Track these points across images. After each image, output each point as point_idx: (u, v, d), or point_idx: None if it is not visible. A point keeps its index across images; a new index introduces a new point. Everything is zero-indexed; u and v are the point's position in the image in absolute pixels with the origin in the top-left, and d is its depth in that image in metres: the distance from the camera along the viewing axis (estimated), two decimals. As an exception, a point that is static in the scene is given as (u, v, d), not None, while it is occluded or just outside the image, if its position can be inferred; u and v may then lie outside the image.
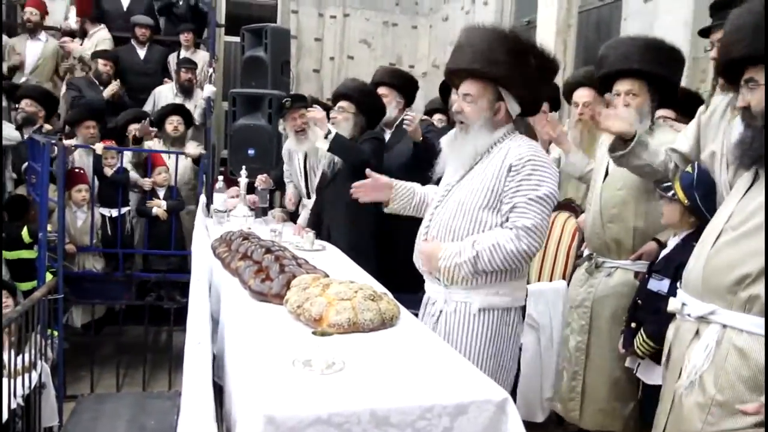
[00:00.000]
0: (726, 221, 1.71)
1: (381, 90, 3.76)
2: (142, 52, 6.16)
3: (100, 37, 6.13)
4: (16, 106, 5.24)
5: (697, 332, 1.75)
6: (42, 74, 6.02)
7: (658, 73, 2.55)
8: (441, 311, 2.18)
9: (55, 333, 4.27)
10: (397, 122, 3.74)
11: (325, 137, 3.32)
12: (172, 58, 6.25)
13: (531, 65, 2.08)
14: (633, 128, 2.34)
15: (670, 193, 2.32)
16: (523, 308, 2.29)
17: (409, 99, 3.91)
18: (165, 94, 5.86)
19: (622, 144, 2.35)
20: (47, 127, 5.17)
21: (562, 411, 2.86)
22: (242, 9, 7.75)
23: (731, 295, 1.64)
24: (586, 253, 2.87)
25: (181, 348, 1.74)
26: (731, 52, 1.70)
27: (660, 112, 2.87)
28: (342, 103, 3.55)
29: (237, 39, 6.29)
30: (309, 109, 3.59)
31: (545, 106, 3.31)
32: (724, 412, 1.62)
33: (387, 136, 3.74)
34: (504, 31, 2.12)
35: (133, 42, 6.16)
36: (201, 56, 6.24)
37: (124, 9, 6.43)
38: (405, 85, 3.90)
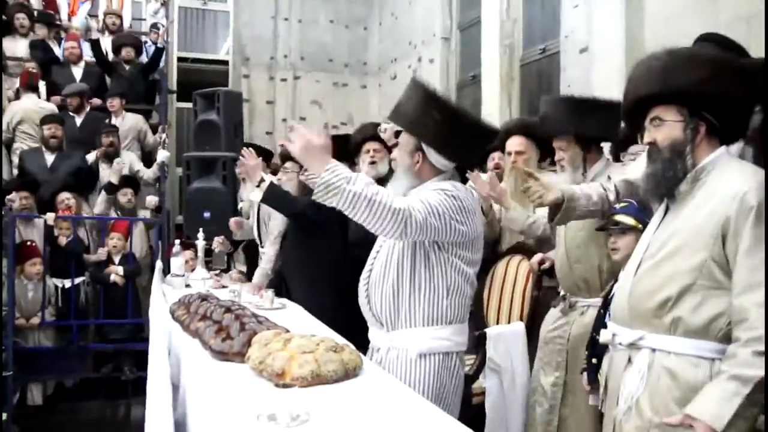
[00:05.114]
0: (644, 251, 1.83)
1: (372, 145, 3.58)
2: (78, 120, 6.09)
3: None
4: None
5: (629, 359, 1.82)
6: None
7: (587, 135, 2.72)
8: (383, 358, 2.18)
9: (4, 415, 4.08)
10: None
11: (258, 186, 3.28)
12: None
13: (435, 118, 2.11)
14: (559, 191, 2.36)
15: (620, 227, 2.41)
16: (482, 352, 2.28)
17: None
18: (90, 161, 5.75)
19: (554, 208, 2.40)
20: None
21: None
22: (193, 75, 7.84)
23: (656, 318, 1.73)
24: (561, 293, 2.91)
25: (141, 420, 1.70)
26: (640, 91, 1.85)
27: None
28: (287, 164, 3.60)
29: (189, 105, 6.35)
30: (242, 154, 3.46)
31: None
32: None
33: None
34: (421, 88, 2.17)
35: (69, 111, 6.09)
36: (129, 120, 6.21)
37: (77, 80, 6.43)
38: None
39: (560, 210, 2.35)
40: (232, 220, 4.15)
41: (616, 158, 3.26)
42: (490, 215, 3.30)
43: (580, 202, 2.39)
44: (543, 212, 3.09)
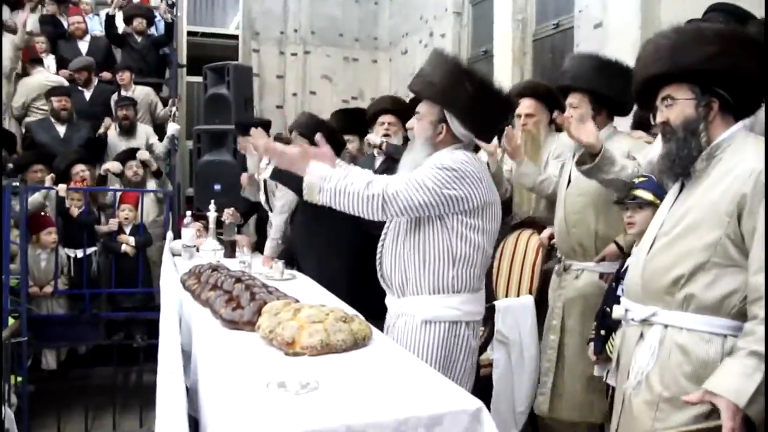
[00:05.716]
0: (659, 228, 1.84)
1: (387, 118, 3.62)
2: (87, 93, 6.09)
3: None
4: None
5: (641, 335, 1.84)
6: None
7: (603, 93, 2.73)
8: (393, 323, 2.24)
9: (19, 378, 4.16)
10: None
11: (268, 163, 3.27)
12: (114, 98, 6.13)
13: (467, 90, 2.11)
14: (600, 143, 2.44)
15: (637, 201, 2.40)
16: (490, 324, 2.29)
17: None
18: (109, 135, 5.79)
19: (590, 157, 2.45)
20: None
21: (535, 404, 2.93)
22: (203, 50, 7.81)
23: (669, 296, 1.75)
24: (558, 256, 2.96)
25: (152, 387, 1.73)
26: (650, 70, 1.84)
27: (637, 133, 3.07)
28: (298, 139, 3.58)
29: (199, 79, 6.34)
30: (251, 132, 3.34)
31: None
32: (672, 407, 1.70)
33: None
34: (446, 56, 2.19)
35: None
36: (140, 92, 6.20)
37: (83, 54, 6.42)
38: (406, 111, 3.56)
39: (593, 159, 2.41)
40: (244, 175, 4.15)
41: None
42: (497, 174, 3.18)
43: (616, 164, 2.44)
44: (554, 171, 3.09)
